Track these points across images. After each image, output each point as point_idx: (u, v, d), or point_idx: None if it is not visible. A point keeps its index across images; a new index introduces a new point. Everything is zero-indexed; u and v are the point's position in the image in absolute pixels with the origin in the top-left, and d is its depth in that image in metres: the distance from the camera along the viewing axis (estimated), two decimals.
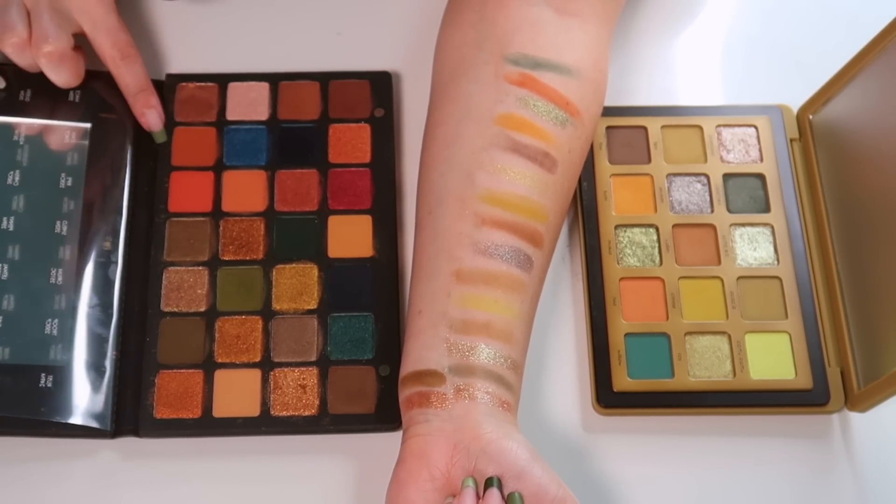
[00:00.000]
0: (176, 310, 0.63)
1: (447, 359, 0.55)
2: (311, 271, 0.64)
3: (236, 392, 0.61)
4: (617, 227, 0.65)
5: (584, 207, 0.66)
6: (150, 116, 0.66)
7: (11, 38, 0.63)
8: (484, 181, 0.58)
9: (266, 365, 0.62)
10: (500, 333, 0.56)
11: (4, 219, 0.63)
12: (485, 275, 0.56)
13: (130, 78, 0.65)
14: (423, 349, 0.56)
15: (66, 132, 0.65)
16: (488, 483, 0.52)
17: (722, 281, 0.64)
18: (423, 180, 0.61)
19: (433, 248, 0.58)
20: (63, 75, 0.64)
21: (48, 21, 0.63)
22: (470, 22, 0.61)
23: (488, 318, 0.56)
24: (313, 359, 0.62)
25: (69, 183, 0.64)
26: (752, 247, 0.65)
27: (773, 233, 0.65)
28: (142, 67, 0.65)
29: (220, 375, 0.61)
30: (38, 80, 0.65)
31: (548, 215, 0.59)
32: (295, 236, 0.65)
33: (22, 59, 0.64)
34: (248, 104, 0.68)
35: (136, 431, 0.60)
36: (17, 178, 0.64)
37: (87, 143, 0.65)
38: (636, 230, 0.65)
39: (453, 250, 0.57)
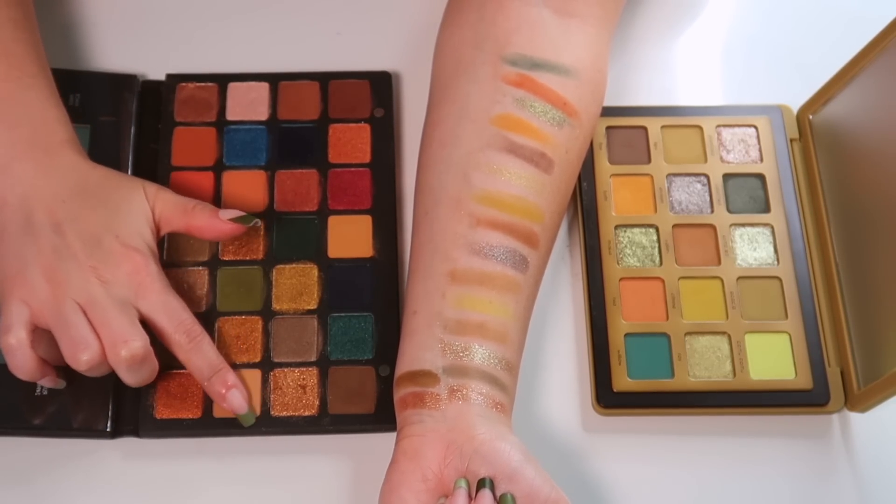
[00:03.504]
0: None
1: (441, 359, 0.55)
2: (311, 271, 0.64)
3: None
4: (617, 227, 0.65)
5: (584, 207, 0.66)
6: (234, 398, 0.59)
7: (84, 354, 0.54)
8: (480, 182, 0.58)
9: (266, 365, 0.62)
10: (494, 334, 0.56)
11: None
12: (479, 275, 0.56)
13: (201, 360, 0.58)
14: (418, 350, 0.56)
15: None
16: (480, 484, 0.52)
17: (722, 281, 0.64)
18: (420, 180, 0.61)
19: (429, 249, 0.58)
20: (142, 375, 0.58)
21: (117, 318, 0.55)
22: (469, 22, 0.61)
23: (483, 319, 0.56)
24: (313, 359, 0.62)
25: None
26: (752, 247, 0.65)
27: (773, 233, 0.65)
28: (210, 346, 0.59)
29: None
30: None
31: (544, 216, 0.59)
32: (295, 236, 0.65)
33: (98, 372, 0.56)
34: (248, 104, 0.68)
35: (136, 431, 0.60)
36: None
37: (87, 144, 0.65)
38: (636, 230, 0.65)
39: (448, 251, 0.57)
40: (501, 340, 0.56)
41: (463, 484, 0.52)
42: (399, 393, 0.56)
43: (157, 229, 0.60)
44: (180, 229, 0.60)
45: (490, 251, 0.57)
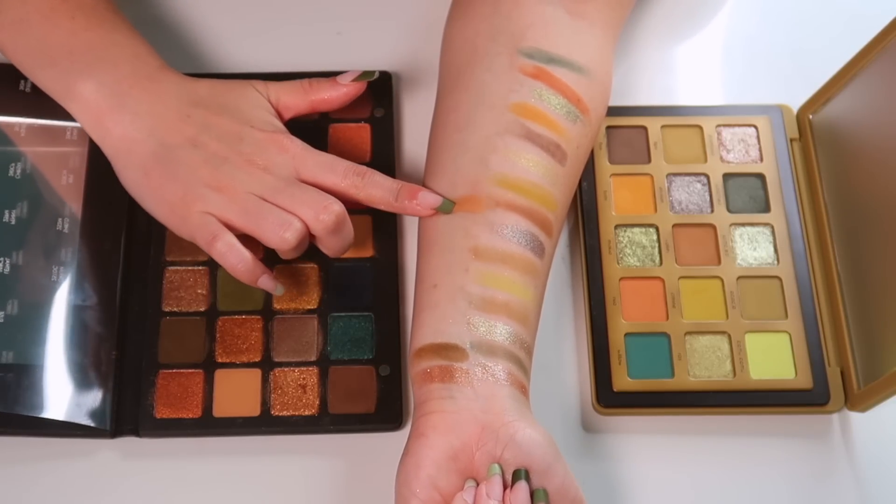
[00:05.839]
0: (176, 310, 0.63)
1: (468, 335, 0.55)
2: (311, 271, 0.64)
3: (236, 392, 0.61)
4: (617, 226, 0.65)
5: (584, 207, 0.66)
6: (426, 197, 0.58)
7: (288, 232, 0.56)
8: (498, 165, 0.58)
9: (266, 365, 0.62)
10: (517, 315, 0.56)
11: (6, 217, 0.63)
12: (502, 255, 0.56)
13: (379, 189, 0.59)
14: (442, 322, 0.55)
15: (66, 132, 0.65)
16: (517, 475, 0.52)
17: (722, 281, 0.64)
18: (432, 163, 0.61)
19: (448, 225, 0.58)
20: (346, 237, 0.58)
21: (304, 192, 0.57)
22: (483, 15, 0.62)
23: (507, 299, 0.56)
24: (313, 359, 0.62)
25: (70, 182, 0.64)
26: (752, 247, 0.65)
27: (773, 233, 0.65)
28: (380, 174, 0.59)
29: (220, 375, 0.61)
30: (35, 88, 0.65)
31: (557, 205, 0.59)
32: None
33: (299, 250, 0.58)
34: None
35: (136, 431, 0.60)
36: (18, 178, 0.64)
37: (87, 142, 0.65)
38: (636, 230, 0.65)
39: (469, 228, 0.57)
40: (524, 322, 0.56)
41: (498, 470, 0.52)
42: (420, 365, 0.55)
43: (280, 117, 0.61)
44: (304, 110, 0.62)
45: (511, 233, 0.57)
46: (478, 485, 0.52)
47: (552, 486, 0.52)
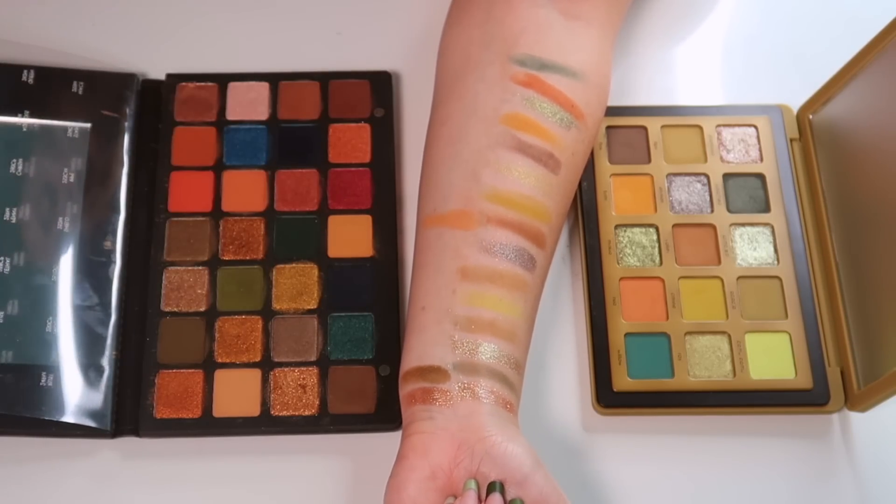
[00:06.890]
0: (176, 310, 0.63)
1: (451, 356, 0.55)
2: (311, 271, 0.64)
3: (236, 392, 0.61)
4: (617, 226, 0.65)
5: (584, 207, 0.66)
6: None
7: None
8: (489, 179, 0.58)
9: (266, 365, 0.62)
10: (504, 333, 0.56)
11: (7, 216, 0.63)
12: (490, 273, 0.56)
13: None
14: (427, 345, 0.56)
15: (67, 132, 0.65)
16: (491, 488, 0.52)
17: (722, 281, 0.64)
18: (426, 177, 0.61)
19: (438, 245, 0.58)
20: None
21: None
22: (476, 21, 0.62)
23: (493, 317, 0.56)
24: (313, 359, 0.62)
25: (70, 182, 0.64)
26: (752, 247, 0.65)
27: (773, 233, 0.65)
28: None
29: (220, 375, 0.61)
30: (38, 80, 0.65)
31: (551, 216, 0.59)
32: (295, 236, 0.65)
33: None
34: (248, 104, 0.68)
35: (136, 431, 0.60)
36: (19, 176, 0.64)
37: (87, 142, 0.65)
38: (636, 230, 0.65)
39: (459, 247, 0.57)
40: (510, 339, 0.56)
41: (473, 485, 0.52)
42: (406, 388, 0.56)
43: None
44: None
45: (500, 250, 0.57)
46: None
47: (529, 496, 0.52)
